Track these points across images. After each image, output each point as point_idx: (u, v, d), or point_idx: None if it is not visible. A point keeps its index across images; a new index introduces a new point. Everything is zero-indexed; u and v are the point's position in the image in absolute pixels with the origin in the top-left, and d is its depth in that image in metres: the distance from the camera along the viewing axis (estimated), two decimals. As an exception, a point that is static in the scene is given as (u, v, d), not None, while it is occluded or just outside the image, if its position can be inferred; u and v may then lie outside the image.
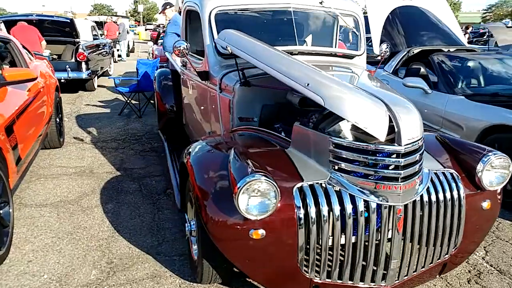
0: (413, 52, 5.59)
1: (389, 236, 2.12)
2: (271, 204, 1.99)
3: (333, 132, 2.28)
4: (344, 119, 2.26)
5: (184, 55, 3.23)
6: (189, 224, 2.58)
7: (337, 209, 2.06)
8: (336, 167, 2.17)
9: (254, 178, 1.96)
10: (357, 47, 3.71)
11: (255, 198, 1.99)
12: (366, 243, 2.09)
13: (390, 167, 2.07)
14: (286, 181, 2.13)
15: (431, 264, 2.30)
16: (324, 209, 2.05)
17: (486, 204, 2.38)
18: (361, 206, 2.06)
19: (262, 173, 1.99)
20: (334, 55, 3.59)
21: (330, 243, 2.07)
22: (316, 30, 3.79)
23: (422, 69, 5.10)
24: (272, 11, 3.58)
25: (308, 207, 2.05)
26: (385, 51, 3.67)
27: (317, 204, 2.06)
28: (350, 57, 3.64)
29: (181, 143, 4.80)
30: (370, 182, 2.08)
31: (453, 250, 2.35)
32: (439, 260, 2.32)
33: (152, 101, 7.72)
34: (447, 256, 2.34)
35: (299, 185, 2.12)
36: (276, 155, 2.41)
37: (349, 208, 2.06)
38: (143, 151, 5.54)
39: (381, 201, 2.07)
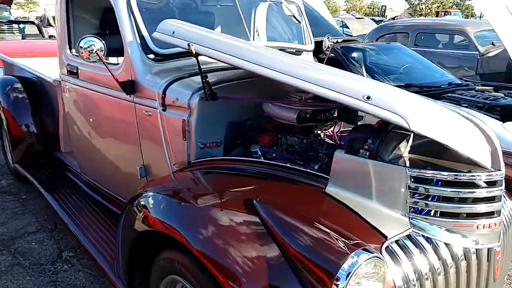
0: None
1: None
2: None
3: (396, 159, 1.66)
4: (400, 141, 1.68)
5: (100, 59, 2.13)
6: None
7: (436, 263, 1.48)
8: (417, 209, 1.57)
9: (370, 257, 1.22)
10: (303, 40, 3.13)
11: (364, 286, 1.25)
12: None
13: (484, 199, 1.58)
14: (365, 241, 1.44)
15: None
16: (423, 267, 1.45)
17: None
18: (460, 254, 1.53)
19: (366, 249, 1.27)
20: (283, 50, 2.93)
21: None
22: (267, 21, 3.06)
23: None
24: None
25: (404, 271, 1.42)
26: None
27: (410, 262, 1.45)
28: (298, 53, 3.04)
29: (57, 176, 3.52)
30: (466, 223, 1.55)
31: None
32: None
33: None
34: None
35: (385, 244, 1.46)
36: (319, 201, 1.67)
37: (448, 259, 1.51)
38: (-9, 195, 3.92)
39: (480, 244, 1.57)
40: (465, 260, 1.54)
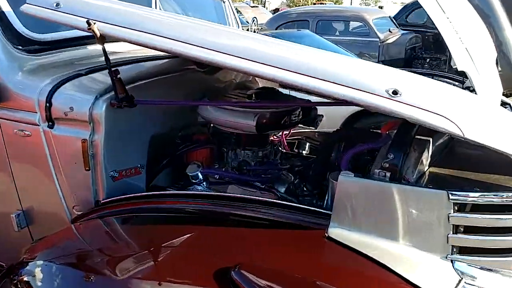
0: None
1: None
2: None
3: (420, 178, 1.17)
4: (422, 151, 1.20)
5: None
6: None
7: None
8: (463, 246, 1.10)
9: None
10: (226, 21, 2.51)
11: None
12: None
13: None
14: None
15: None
16: None
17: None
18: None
19: None
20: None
21: None
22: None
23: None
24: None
25: None
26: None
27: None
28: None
29: None
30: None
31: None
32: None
33: None
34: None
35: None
36: (324, 253, 1.11)
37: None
38: None
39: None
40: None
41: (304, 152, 1.87)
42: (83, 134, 1.41)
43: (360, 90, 1.02)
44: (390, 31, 6.33)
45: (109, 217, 1.40)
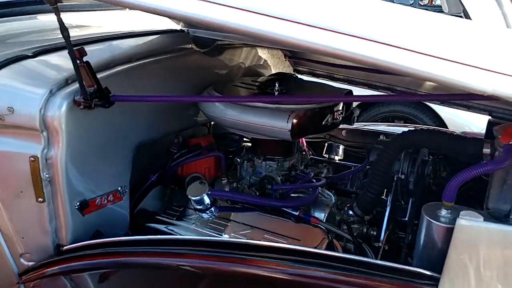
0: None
1: None
2: None
3: None
4: None
5: None
6: None
7: None
8: None
9: None
10: None
11: None
12: None
13: None
14: None
15: None
16: None
17: None
18: None
19: None
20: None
21: None
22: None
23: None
24: None
25: None
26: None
27: None
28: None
29: None
30: None
31: None
32: None
33: None
34: None
35: None
36: None
37: None
38: None
39: None
40: None
41: (337, 157, 1.43)
42: (31, 149, 0.92)
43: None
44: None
45: (77, 273, 0.93)
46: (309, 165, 1.37)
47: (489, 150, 0.89)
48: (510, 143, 0.80)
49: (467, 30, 0.82)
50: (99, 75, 0.92)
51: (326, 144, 1.45)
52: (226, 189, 1.23)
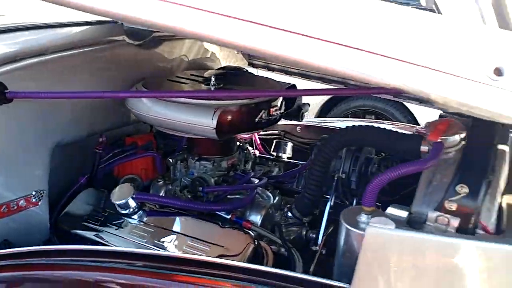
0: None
1: None
2: None
3: None
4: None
5: None
6: None
7: None
8: None
9: None
10: None
11: None
12: None
13: None
14: None
15: None
16: None
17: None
18: None
19: None
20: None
21: None
22: None
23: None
24: None
25: None
26: None
27: None
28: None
29: None
30: None
31: None
32: None
33: None
34: None
35: None
36: None
37: None
38: None
39: None
40: None
41: (284, 155, 1.35)
42: None
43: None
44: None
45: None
46: (258, 164, 1.30)
47: (427, 147, 0.82)
48: (439, 141, 0.73)
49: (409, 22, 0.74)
50: (-2, 70, 0.84)
51: (274, 142, 1.38)
52: (162, 192, 1.15)
